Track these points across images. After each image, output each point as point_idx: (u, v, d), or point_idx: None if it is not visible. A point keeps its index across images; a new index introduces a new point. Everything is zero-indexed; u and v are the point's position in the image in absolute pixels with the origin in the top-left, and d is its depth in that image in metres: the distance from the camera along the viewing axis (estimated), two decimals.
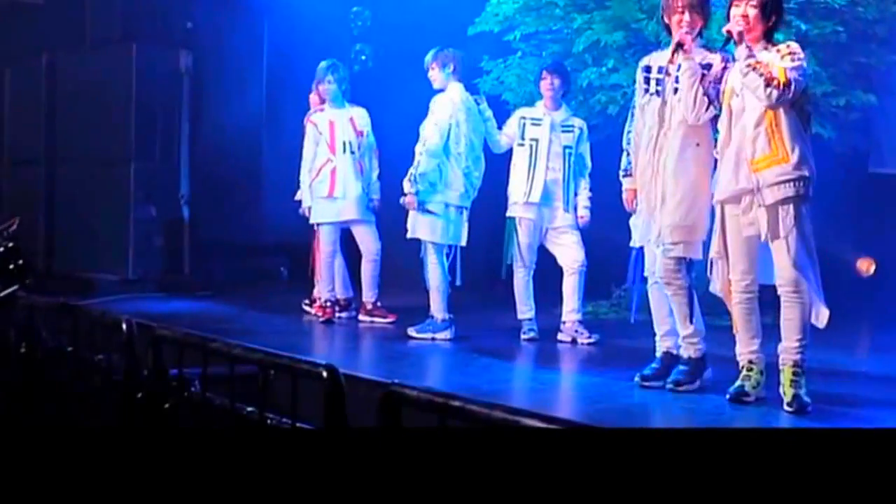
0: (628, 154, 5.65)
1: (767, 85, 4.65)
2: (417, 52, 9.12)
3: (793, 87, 4.68)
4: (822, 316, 4.88)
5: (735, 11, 4.84)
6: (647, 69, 5.45)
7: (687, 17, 5.25)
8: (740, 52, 4.79)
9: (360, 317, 7.54)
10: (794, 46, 4.82)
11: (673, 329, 5.59)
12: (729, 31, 4.83)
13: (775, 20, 4.90)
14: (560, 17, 7.95)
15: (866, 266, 8.30)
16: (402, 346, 6.74)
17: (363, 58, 9.75)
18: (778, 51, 4.80)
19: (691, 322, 5.35)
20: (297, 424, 4.04)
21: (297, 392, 4.02)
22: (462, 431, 3.33)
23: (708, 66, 5.20)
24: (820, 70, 7.56)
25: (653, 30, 7.46)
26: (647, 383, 5.50)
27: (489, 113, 6.96)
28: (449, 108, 6.78)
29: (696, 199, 5.25)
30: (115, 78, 9.37)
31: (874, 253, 8.34)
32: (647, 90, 5.43)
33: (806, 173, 4.78)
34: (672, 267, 5.34)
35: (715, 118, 5.16)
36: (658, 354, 5.63)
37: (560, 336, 6.84)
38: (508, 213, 6.86)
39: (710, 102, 5.13)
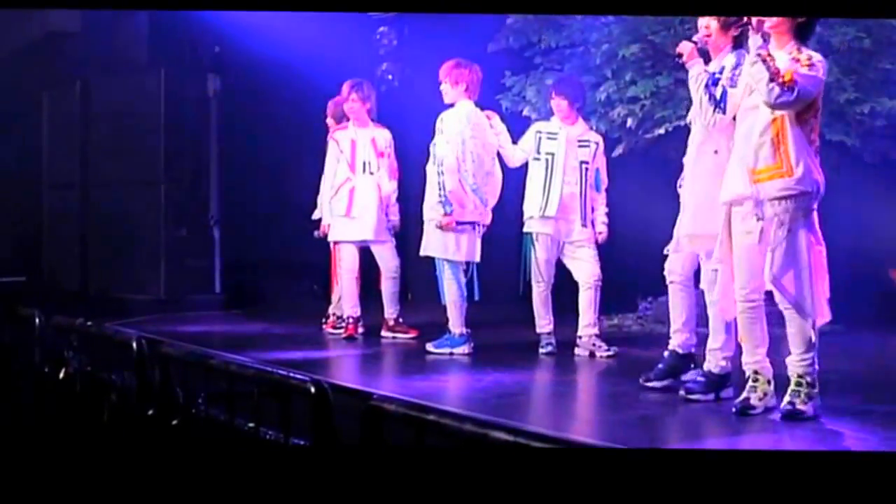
0: None
1: (772, 80, 4.55)
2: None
3: (796, 92, 4.57)
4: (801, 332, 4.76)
5: None
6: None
7: (706, 23, 5.29)
8: (754, 40, 4.67)
9: (383, 333, 7.58)
10: (816, 59, 4.70)
11: (682, 327, 5.62)
12: (749, 20, 4.74)
13: (807, 19, 4.76)
14: (579, 32, 7.96)
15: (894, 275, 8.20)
16: (420, 361, 6.78)
17: (390, 77, 9.81)
18: (797, 59, 4.67)
19: (724, 334, 5.31)
20: (291, 440, 4.12)
21: (291, 407, 4.10)
22: (442, 450, 3.37)
23: (721, 69, 5.22)
24: (843, 77, 7.50)
25: (670, 42, 7.46)
26: (648, 383, 5.57)
27: (501, 127, 6.97)
28: (457, 125, 6.81)
29: (713, 208, 5.21)
30: (145, 102, 9.54)
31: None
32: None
33: (808, 189, 4.70)
34: (710, 275, 5.30)
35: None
36: (665, 353, 5.66)
37: (577, 350, 6.83)
38: (525, 229, 6.87)
39: (717, 105, 5.07)
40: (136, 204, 9.54)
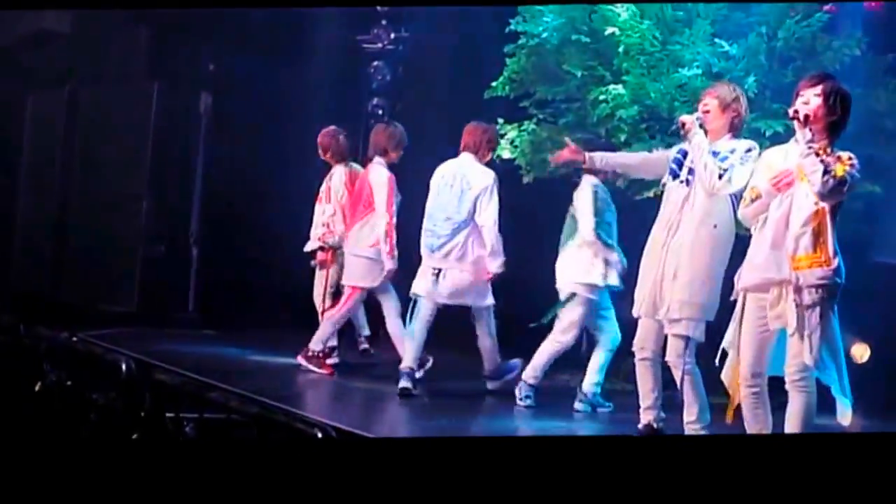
0: None
1: (826, 172, 4.68)
2: (434, 110, 9.33)
3: (846, 186, 4.74)
4: (845, 416, 4.90)
5: (797, 101, 4.91)
6: (684, 153, 5.66)
7: (707, 102, 5.42)
8: (803, 134, 4.79)
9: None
10: (856, 160, 4.85)
11: (653, 404, 5.74)
12: (796, 112, 4.84)
13: (841, 116, 4.90)
14: (577, 87, 8.05)
15: (860, 352, 8.31)
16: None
17: (380, 112, 9.86)
18: (839, 158, 4.81)
19: (696, 407, 5.39)
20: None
21: (292, 446, 4.11)
22: None
23: (731, 150, 5.43)
24: None
25: (666, 106, 7.58)
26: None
27: None
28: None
29: (708, 280, 5.37)
30: (134, 114, 9.50)
31: (872, 340, 8.35)
32: (676, 175, 5.62)
33: (840, 280, 4.85)
34: (679, 348, 5.42)
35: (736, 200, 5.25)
36: (640, 426, 5.71)
37: (577, 405, 6.88)
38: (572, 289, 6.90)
39: (721, 174, 5.27)
40: (116, 215, 9.48)
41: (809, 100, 4.87)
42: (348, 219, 7.82)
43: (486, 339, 7.15)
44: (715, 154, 5.45)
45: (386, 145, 7.67)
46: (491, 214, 7.05)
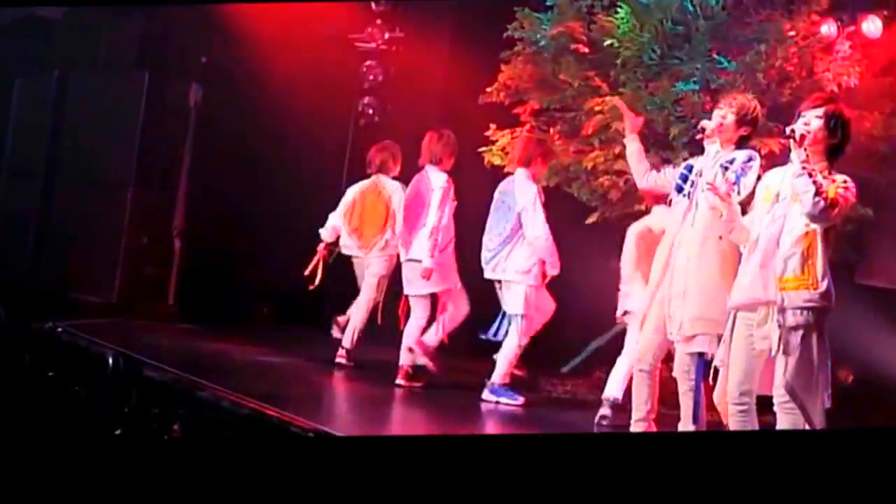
0: None
1: (817, 194, 4.64)
2: (425, 112, 9.28)
3: (836, 209, 4.70)
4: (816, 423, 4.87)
5: (798, 122, 4.86)
6: (690, 168, 5.63)
7: (724, 113, 5.46)
8: (798, 154, 4.74)
9: None
10: (851, 183, 4.81)
11: (645, 416, 5.72)
12: (792, 131, 4.79)
13: (841, 139, 4.88)
14: (572, 97, 8.02)
15: (843, 376, 8.32)
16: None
17: (370, 111, 9.80)
18: (834, 180, 4.78)
19: (695, 423, 5.37)
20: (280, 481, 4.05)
21: (283, 449, 4.04)
22: None
23: (731, 160, 5.40)
24: None
25: (662, 121, 7.57)
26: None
27: None
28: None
29: (718, 293, 5.28)
30: (123, 103, 9.38)
31: (854, 364, 8.36)
32: (681, 189, 5.59)
33: (828, 304, 4.80)
34: (688, 363, 5.40)
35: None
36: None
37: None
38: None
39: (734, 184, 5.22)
40: (100, 204, 9.35)
41: (810, 121, 4.84)
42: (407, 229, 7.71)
43: (510, 349, 7.13)
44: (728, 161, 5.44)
45: (441, 153, 7.61)
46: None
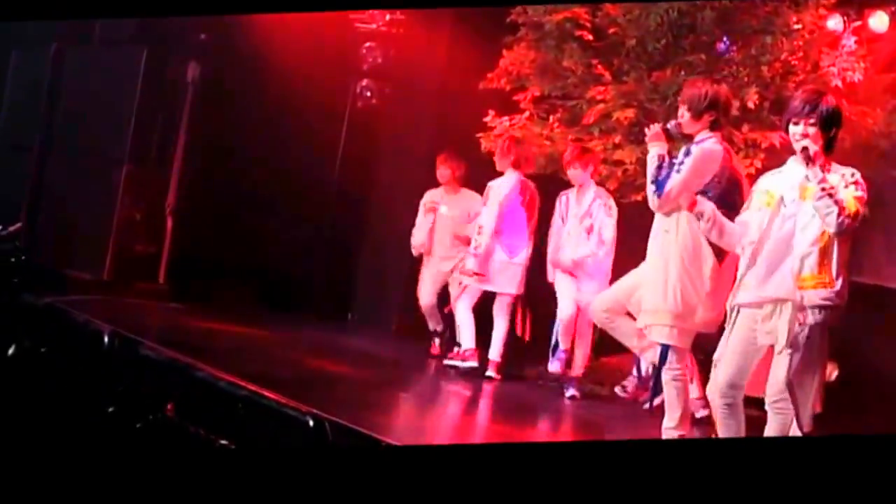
0: None
1: (840, 214, 4.64)
2: (423, 97, 9.21)
3: (859, 217, 4.70)
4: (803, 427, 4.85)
5: (793, 129, 4.81)
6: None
7: (680, 112, 5.55)
8: (815, 172, 4.69)
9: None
10: (859, 175, 4.81)
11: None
12: (806, 148, 4.72)
13: (836, 130, 4.86)
14: (574, 85, 7.95)
15: (829, 371, 8.28)
16: None
17: (368, 94, 9.71)
18: (842, 176, 4.77)
19: (677, 413, 5.39)
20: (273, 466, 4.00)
21: (279, 434, 3.99)
22: None
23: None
24: None
25: (665, 111, 7.50)
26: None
27: None
28: None
29: (670, 286, 5.40)
30: (120, 78, 9.29)
31: (840, 360, 8.33)
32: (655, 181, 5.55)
33: (842, 303, 4.79)
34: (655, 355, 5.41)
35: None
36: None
37: None
38: None
39: (656, 189, 5.39)
40: (94, 180, 9.27)
41: (807, 132, 4.78)
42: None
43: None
44: (668, 162, 5.49)
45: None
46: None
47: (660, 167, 5.36)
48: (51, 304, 5.55)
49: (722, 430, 4.98)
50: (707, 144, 5.48)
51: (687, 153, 5.44)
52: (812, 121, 4.76)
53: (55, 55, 9.74)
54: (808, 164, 4.70)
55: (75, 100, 9.56)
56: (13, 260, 5.17)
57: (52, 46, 9.77)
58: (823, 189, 4.65)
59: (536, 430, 6.81)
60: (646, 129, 5.59)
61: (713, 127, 5.49)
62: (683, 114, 5.49)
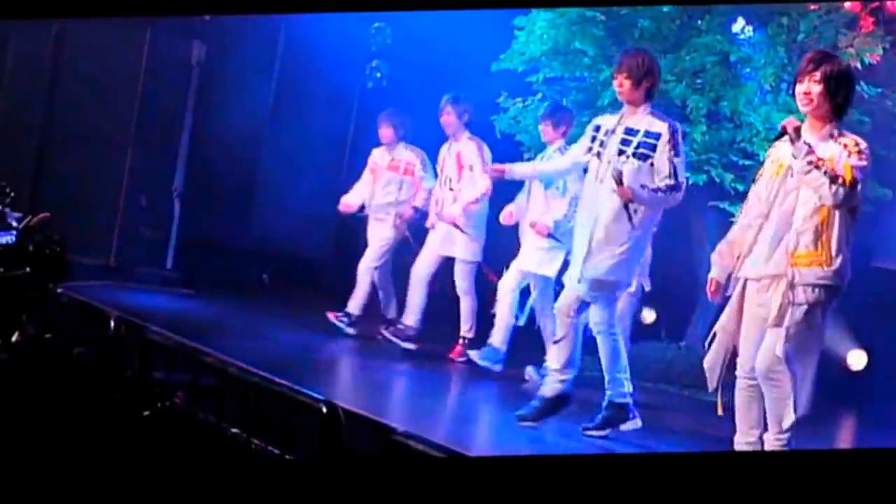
0: None
1: (833, 183, 4.48)
2: (434, 76, 9.07)
3: (858, 186, 4.52)
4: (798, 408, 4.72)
5: (798, 89, 4.68)
6: (597, 129, 5.70)
7: (617, 82, 5.61)
8: (799, 147, 4.55)
9: None
10: (864, 145, 4.64)
11: (612, 378, 5.67)
12: (784, 127, 4.63)
13: (844, 95, 4.68)
14: (587, 66, 7.82)
15: (857, 359, 8.19)
16: None
17: (378, 75, 9.59)
18: (846, 146, 4.60)
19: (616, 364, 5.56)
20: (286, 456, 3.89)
21: (292, 422, 3.87)
22: None
23: (657, 136, 5.46)
24: None
25: (679, 93, 7.39)
26: (587, 433, 5.66)
27: None
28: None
29: (623, 256, 5.46)
30: (124, 59, 9.14)
31: (871, 346, 8.22)
32: (590, 149, 5.64)
33: (840, 283, 4.66)
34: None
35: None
36: (604, 403, 5.71)
37: None
38: None
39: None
40: (98, 163, 9.13)
41: (810, 89, 4.63)
42: None
43: None
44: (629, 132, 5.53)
45: None
46: None
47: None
48: (53, 289, 5.40)
49: (744, 412, 4.82)
50: (668, 119, 5.62)
51: (656, 137, 5.46)
52: (816, 77, 4.61)
53: (56, 35, 9.57)
54: (791, 141, 4.57)
55: (77, 81, 9.38)
56: (48, 252, 4.99)
57: (53, 25, 9.60)
58: (810, 163, 4.52)
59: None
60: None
61: (649, 95, 5.56)
62: (623, 83, 5.52)
